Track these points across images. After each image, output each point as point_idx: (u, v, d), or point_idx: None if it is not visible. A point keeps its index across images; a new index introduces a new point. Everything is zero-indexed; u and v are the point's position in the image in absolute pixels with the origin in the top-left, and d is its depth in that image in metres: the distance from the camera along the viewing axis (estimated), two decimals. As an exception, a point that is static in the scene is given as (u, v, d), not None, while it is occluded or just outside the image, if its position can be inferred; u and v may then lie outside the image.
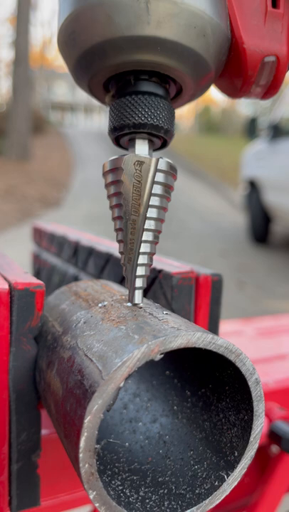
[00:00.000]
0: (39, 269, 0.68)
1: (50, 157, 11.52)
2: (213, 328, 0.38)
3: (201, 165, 11.70)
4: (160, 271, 0.37)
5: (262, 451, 0.75)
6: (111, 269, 0.44)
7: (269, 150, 4.86)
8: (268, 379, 0.58)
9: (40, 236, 0.69)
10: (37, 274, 0.68)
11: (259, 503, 0.62)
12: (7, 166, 9.31)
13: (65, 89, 35.08)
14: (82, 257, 0.51)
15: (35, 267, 0.70)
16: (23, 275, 0.33)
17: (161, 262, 0.39)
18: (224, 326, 0.81)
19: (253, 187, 5.21)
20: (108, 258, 0.45)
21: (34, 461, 0.33)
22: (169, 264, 0.38)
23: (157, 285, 0.37)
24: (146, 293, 0.38)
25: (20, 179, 8.22)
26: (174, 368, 0.34)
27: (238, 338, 0.73)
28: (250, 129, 5.52)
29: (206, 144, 17.26)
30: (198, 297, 0.36)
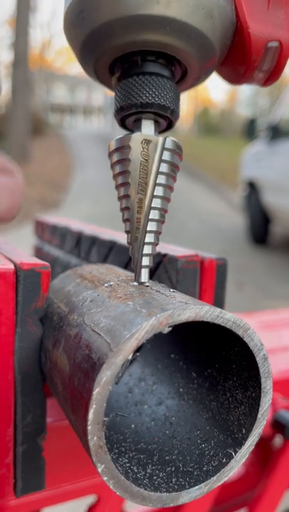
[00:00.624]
0: (41, 261, 0.67)
1: (49, 159, 11.53)
2: (218, 312, 0.38)
3: (200, 166, 11.71)
4: (165, 255, 0.37)
5: (265, 445, 0.75)
6: (115, 256, 0.44)
7: (268, 151, 4.87)
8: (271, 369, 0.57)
9: (42, 229, 0.69)
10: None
11: (262, 496, 0.62)
12: (6, 167, 9.30)
13: (65, 91, 35.13)
14: (85, 246, 0.51)
15: (37, 259, 0.70)
16: (28, 257, 0.33)
17: (165, 248, 0.39)
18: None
19: (253, 188, 5.21)
20: (112, 246, 0.45)
21: (39, 443, 0.32)
22: (173, 249, 0.38)
23: (162, 269, 0.37)
24: (151, 277, 0.38)
25: (19, 181, 8.20)
26: (179, 351, 0.34)
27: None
28: (250, 130, 5.52)
29: (205, 145, 17.28)
30: (203, 281, 0.36)
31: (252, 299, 3.55)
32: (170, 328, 0.23)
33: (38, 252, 0.70)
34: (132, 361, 0.36)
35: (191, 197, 8.42)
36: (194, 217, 6.65)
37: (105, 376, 0.21)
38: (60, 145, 15.29)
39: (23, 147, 10.52)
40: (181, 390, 0.32)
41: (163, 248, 0.39)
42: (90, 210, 6.28)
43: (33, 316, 0.31)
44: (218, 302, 0.37)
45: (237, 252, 4.83)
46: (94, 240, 0.49)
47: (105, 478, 0.22)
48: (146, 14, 0.27)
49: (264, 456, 0.74)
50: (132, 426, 0.31)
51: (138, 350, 0.37)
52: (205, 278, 0.36)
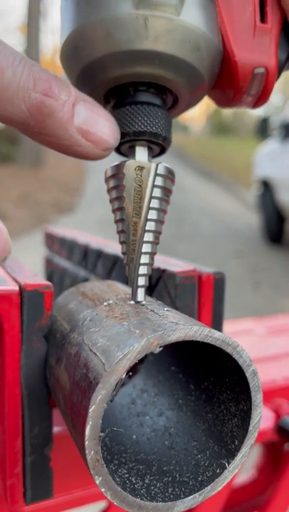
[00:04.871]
0: (51, 272, 0.70)
1: (62, 163, 11.63)
2: (217, 325, 0.39)
3: (213, 166, 11.68)
4: (164, 270, 0.38)
5: (276, 449, 0.76)
6: (118, 270, 0.46)
7: (282, 149, 4.84)
8: (277, 376, 0.58)
9: (51, 241, 0.71)
10: (49, 277, 0.70)
11: (271, 500, 0.63)
12: (20, 173, 9.43)
13: (77, 96, 35.29)
14: (92, 259, 0.53)
15: (47, 271, 0.72)
16: (33, 277, 0.35)
17: (165, 262, 0.40)
18: (235, 324, 0.82)
19: (266, 187, 5.18)
20: (116, 260, 0.47)
21: (47, 454, 0.34)
22: (172, 264, 0.40)
23: (162, 284, 0.38)
24: (151, 292, 0.40)
25: (33, 186, 8.31)
26: (178, 364, 0.35)
27: (248, 337, 0.74)
28: (262, 129, 5.50)
29: (218, 145, 17.23)
30: (201, 295, 0.38)
31: (268, 298, 3.54)
32: (161, 348, 0.24)
33: (49, 263, 0.72)
34: (134, 374, 0.38)
35: (204, 197, 8.40)
36: (208, 217, 6.64)
37: (100, 395, 0.23)
38: (73, 149, 15.35)
39: (37, 152, 10.62)
40: (180, 401, 0.34)
41: (162, 263, 0.40)
42: (104, 214, 6.32)
43: (37, 333, 0.33)
44: (217, 316, 0.39)
45: (252, 252, 4.81)
46: (99, 254, 0.51)
47: (103, 490, 0.24)
48: (136, 49, 0.28)
49: (275, 461, 0.74)
50: (134, 437, 0.33)
51: (141, 362, 0.38)
52: (203, 292, 0.38)
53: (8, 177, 8.86)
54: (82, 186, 9.17)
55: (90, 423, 0.23)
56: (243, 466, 0.57)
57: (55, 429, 0.37)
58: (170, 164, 0.32)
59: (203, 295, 0.38)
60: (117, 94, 0.32)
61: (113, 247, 0.51)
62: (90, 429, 0.23)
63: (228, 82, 0.32)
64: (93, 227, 5.23)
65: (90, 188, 8.96)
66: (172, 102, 0.33)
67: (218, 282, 0.38)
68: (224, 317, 0.41)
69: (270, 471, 0.76)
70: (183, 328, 0.25)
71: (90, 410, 0.23)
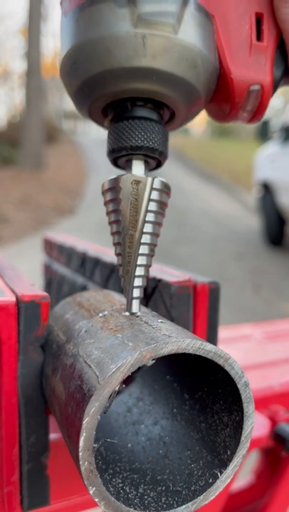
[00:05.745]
0: (50, 279, 0.70)
1: (63, 166, 11.65)
2: (212, 334, 0.39)
3: (213, 169, 11.69)
4: (160, 280, 0.39)
5: (273, 455, 0.76)
6: (116, 278, 0.46)
7: (282, 152, 4.85)
8: (273, 382, 0.59)
9: (50, 247, 0.72)
10: (48, 284, 0.70)
11: (268, 505, 0.63)
12: (22, 175, 9.45)
13: (78, 98, 35.28)
14: (90, 267, 0.54)
15: (46, 277, 0.72)
16: (30, 287, 0.35)
17: (161, 272, 0.41)
18: (233, 330, 0.83)
19: (267, 189, 5.19)
20: (113, 268, 0.47)
21: (43, 462, 0.35)
22: (168, 273, 0.40)
23: (157, 294, 0.39)
24: (147, 301, 0.40)
25: (34, 188, 8.33)
26: (173, 373, 0.36)
27: (246, 343, 0.75)
28: (263, 132, 5.51)
29: (219, 147, 17.25)
30: (196, 304, 0.38)
31: (268, 301, 3.54)
32: (154, 361, 0.25)
33: (47, 270, 0.72)
34: (130, 383, 0.38)
35: (205, 199, 8.41)
36: (209, 219, 6.65)
37: (94, 407, 0.24)
38: (74, 151, 15.43)
39: (38, 155, 10.64)
40: (174, 410, 0.34)
41: (158, 272, 0.41)
42: (104, 217, 6.33)
43: (34, 343, 0.33)
44: (212, 325, 0.39)
45: (253, 254, 4.81)
46: (97, 262, 0.52)
47: (96, 500, 0.24)
48: (134, 66, 0.29)
49: (273, 467, 0.75)
50: (129, 445, 0.33)
51: (137, 371, 0.39)
52: (198, 302, 0.38)
53: (9, 179, 8.88)
54: (82, 189, 9.18)
55: (84, 434, 0.24)
56: (239, 473, 0.58)
57: (52, 436, 0.37)
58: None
59: (198, 304, 0.38)
60: (115, 109, 0.33)
61: (111, 254, 0.52)
62: (84, 440, 0.24)
63: (224, 98, 0.33)
64: (93, 230, 5.23)
65: (90, 191, 8.98)
66: (169, 116, 0.34)
67: (213, 292, 0.39)
68: (225, 320, 0.41)
69: (268, 476, 0.77)
70: (175, 341, 0.25)
71: (84, 422, 0.24)
